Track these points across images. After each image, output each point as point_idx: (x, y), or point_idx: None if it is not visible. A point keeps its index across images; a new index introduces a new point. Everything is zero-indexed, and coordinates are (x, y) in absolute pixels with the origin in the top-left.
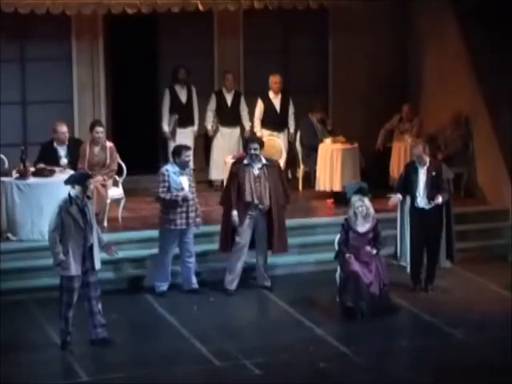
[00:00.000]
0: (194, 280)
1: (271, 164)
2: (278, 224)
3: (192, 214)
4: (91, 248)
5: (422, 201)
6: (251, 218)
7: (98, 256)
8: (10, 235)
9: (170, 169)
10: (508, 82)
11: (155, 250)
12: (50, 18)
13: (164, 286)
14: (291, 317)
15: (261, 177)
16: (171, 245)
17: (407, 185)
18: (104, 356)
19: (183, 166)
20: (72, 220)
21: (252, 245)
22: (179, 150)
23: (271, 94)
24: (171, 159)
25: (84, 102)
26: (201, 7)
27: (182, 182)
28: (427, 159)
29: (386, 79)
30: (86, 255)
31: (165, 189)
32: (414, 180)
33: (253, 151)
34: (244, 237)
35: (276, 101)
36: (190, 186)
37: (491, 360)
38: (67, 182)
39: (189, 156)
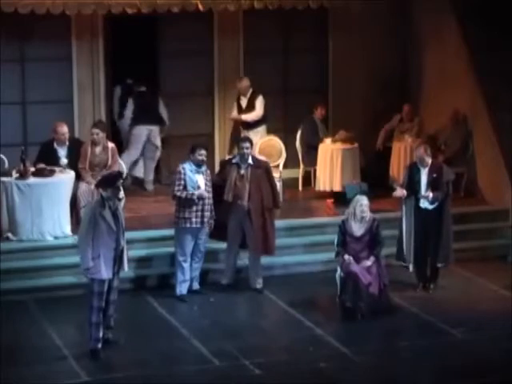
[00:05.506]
0: (197, 280)
1: (257, 165)
2: (258, 226)
3: (207, 213)
4: (122, 251)
5: (425, 201)
6: (237, 218)
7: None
8: (10, 235)
9: (186, 167)
10: (508, 81)
11: (156, 250)
12: (50, 18)
13: (184, 289)
14: (291, 317)
15: (244, 176)
16: (188, 244)
17: (411, 185)
18: (104, 356)
19: (197, 164)
20: (105, 224)
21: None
22: (193, 147)
23: (241, 96)
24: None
25: (84, 102)
26: (201, 7)
27: (198, 180)
28: (429, 161)
29: (386, 79)
30: (117, 258)
31: (180, 187)
32: (417, 181)
33: (245, 150)
34: (231, 236)
35: (243, 102)
36: (206, 184)
37: (491, 360)
38: (99, 185)
39: (202, 155)
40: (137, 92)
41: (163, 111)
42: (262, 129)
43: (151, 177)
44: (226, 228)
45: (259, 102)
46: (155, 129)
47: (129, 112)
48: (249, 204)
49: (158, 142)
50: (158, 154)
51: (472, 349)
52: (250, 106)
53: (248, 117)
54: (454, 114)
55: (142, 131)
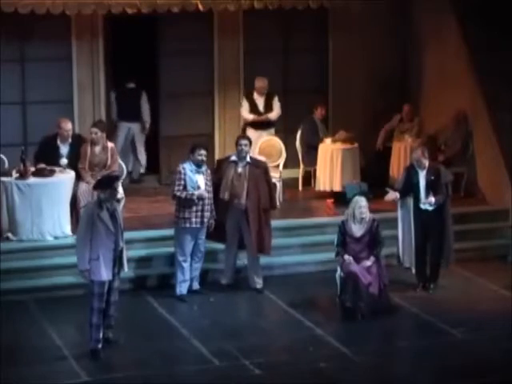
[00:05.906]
0: (197, 280)
1: (256, 164)
2: (255, 225)
3: (207, 213)
4: (121, 252)
5: (426, 204)
6: (234, 218)
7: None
8: (10, 235)
9: (186, 167)
10: (508, 81)
11: (156, 250)
12: (50, 18)
13: (184, 289)
14: (291, 317)
15: (241, 175)
16: (188, 244)
17: (409, 187)
18: (104, 356)
19: (197, 164)
20: (103, 225)
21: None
22: (193, 147)
23: (255, 95)
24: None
25: (84, 102)
26: (201, 7)
27: (198, 180)
28: (426, 163)
29: (386, 79)
30: (116, 259)
31: (180, 187)
32: (416, 183)
33: (243, 147)
34: (229, 236)
35: (260, 101)
36: (206, 184)
37: (491, 360)
38: (96, 187)
39: (202, 155)
40: (126, 89)
41: (145, 110)
42: (273, 130)
43: (143, 161)
44: (224, 229)
45: (277, 102)
46: (134, 126)
47: (114, 110)
48: (246, 202)
49: (141, 139)
50: (142, 149)
51: (472, 349)
52: (268, 106)
53: (272, 116)
54: (455, 115)
55: (123, 128)
